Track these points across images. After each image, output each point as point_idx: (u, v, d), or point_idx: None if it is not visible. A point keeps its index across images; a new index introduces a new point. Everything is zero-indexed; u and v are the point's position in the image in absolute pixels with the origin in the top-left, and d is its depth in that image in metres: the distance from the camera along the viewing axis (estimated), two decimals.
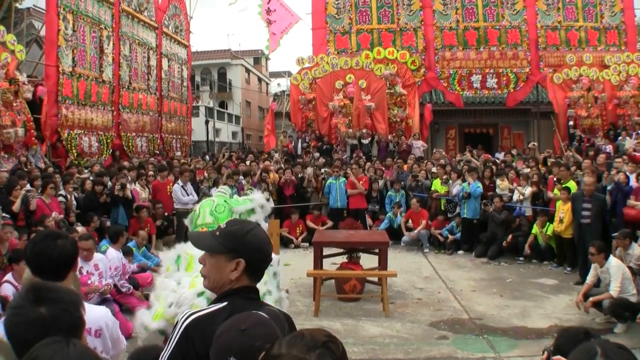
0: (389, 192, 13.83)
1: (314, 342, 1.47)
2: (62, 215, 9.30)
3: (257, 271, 2.28)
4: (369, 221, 13.55)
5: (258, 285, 2.32)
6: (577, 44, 20.95)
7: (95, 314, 2.72)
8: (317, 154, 17.75)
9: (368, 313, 7.88)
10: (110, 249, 8.07)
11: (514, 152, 18.86)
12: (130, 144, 17.65)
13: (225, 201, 5.08)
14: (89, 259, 6.78)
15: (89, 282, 6.79)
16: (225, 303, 2.17)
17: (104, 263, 7.25)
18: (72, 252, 2.68)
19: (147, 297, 8.01)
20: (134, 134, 18.13)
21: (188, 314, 2.16)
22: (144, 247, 9.76)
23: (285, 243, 12.71)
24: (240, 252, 2.21)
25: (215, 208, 4.98)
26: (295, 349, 1.46)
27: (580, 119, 19.05)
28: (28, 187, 9.24)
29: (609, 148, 16.33)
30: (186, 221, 5.06)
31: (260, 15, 21.57)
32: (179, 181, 12.51)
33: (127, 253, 8.65)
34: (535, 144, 17.29)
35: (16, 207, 8.56)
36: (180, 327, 2.09)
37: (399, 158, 16.35)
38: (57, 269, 2.57)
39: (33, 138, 12.80)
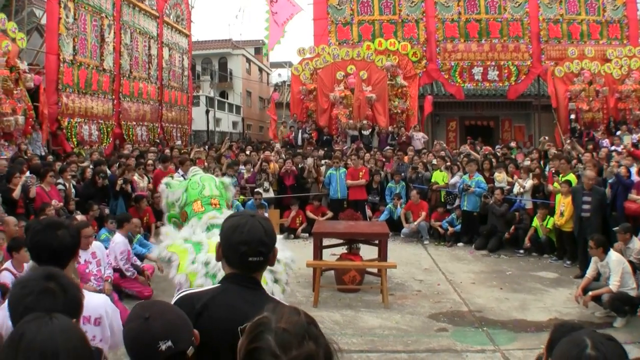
0: (389, 184, 13.77)
1: (302, 330, 1.42)
2: (61, 203, 9.31)
3: (227, 260, 2.26)
4: (368, 212, 13.50)
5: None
6: (579, 37, 20.86)
7: (95, 302, 2.70)
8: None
9: (367, 304, 7.89)
10: (117, 234, 8.33)
11: (512, 144, 18.83)
12: (130, 133, 17.62)
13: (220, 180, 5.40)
14: (86, 248, 6.73)
15: (87, 270, 6.77)
16: (218, 285, 2.28)
17: (102, 251, 7.23)
18: (71, 243, 2.67)
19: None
20: (134, 123, 18.12)
21: (182, 291, 2.32)
22: (138, 235, 9.70)
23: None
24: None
25: (218, 184, 5.20)
26: (294, 350, 1.37)
27: (582, 112, 19.04)
28: (28, 173, 9.25)
29: (606, 142, 16.28)
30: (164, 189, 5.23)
31: (267, 13, 21.46)
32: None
33: (129, 241, 8.68)
34: (548, 139, 16.99)
35: (16, 194, 8.57)
36: (173, 303, 2.20)
37: (399, 150, 16.31)
38: (57, 259, 2.56)
39: (29, 127, 12.78)
